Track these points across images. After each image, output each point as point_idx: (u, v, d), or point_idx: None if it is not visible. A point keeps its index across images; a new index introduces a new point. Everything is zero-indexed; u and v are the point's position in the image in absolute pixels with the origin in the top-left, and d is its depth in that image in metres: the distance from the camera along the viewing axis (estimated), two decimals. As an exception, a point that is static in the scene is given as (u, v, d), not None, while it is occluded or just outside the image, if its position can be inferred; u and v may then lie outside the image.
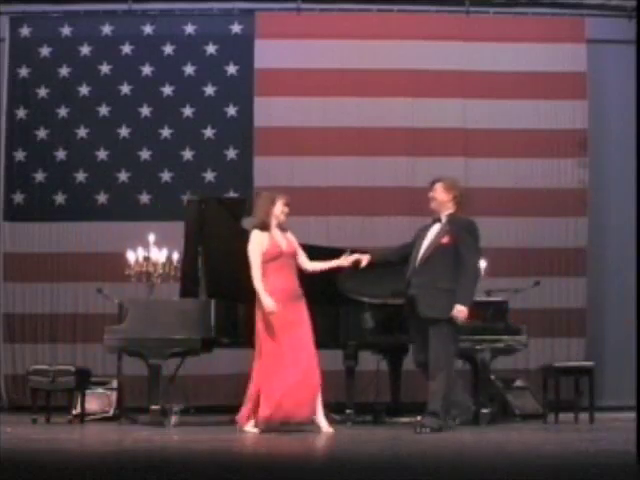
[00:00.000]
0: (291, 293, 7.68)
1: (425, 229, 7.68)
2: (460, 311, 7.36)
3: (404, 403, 9.32)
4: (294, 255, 7.76)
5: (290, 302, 7.63)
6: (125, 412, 9.15)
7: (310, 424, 7.63)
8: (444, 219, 7.59)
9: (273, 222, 7.71)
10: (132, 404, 9.75)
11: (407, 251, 7.68)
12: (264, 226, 7.68)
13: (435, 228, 7.60)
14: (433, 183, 7.67)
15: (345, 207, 11.30)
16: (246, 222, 8.14)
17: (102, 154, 11.41)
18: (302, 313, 7.68)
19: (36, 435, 7.33)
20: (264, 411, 7.52)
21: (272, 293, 7.58)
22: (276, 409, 7.51)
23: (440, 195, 7.62)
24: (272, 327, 7.59)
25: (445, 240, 7.49)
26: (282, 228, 7.77)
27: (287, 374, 7.53)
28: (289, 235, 7.80)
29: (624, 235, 10.40)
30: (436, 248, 7.49)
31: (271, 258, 7.63)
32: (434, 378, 7.40)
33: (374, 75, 11.48)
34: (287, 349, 7.56)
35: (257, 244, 7.64)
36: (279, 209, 7.69)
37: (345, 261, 7.84)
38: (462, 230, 7.52)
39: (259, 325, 7.66)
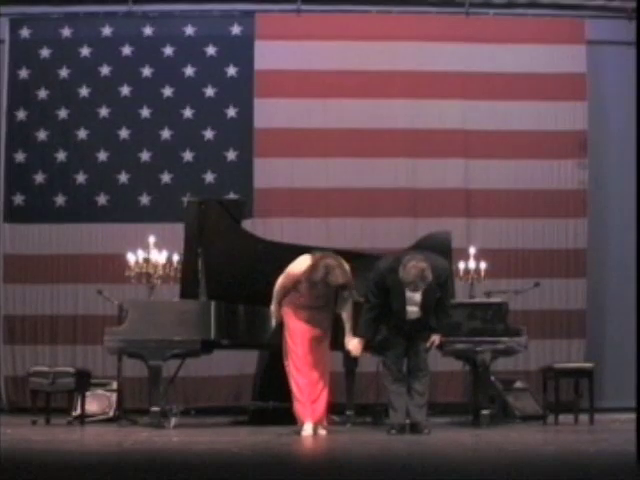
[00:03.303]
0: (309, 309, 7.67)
1: (401, 286, 7.44)
2: (436, 339, 7.73)
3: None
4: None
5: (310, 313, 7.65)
6: (125, 413, 9.15)
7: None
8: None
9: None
10: (132, 405, 9.77)
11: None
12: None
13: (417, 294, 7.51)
14: (423, 271, 7.31)
15: (345, 208, 11.28)
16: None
17: (102, 155, 11.41)
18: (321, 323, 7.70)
19: (36, 436, 7.32)
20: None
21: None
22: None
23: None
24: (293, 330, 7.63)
25: (437, 297, 7.55)
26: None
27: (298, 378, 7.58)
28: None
29: (624, 236, 10.41)
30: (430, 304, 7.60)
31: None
32: (423, 382, 7.64)
33: (374, 76, 11.47)
34: (304, 354, 7.59)
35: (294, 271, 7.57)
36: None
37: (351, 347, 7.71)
38: (443, 274, 7.55)
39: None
